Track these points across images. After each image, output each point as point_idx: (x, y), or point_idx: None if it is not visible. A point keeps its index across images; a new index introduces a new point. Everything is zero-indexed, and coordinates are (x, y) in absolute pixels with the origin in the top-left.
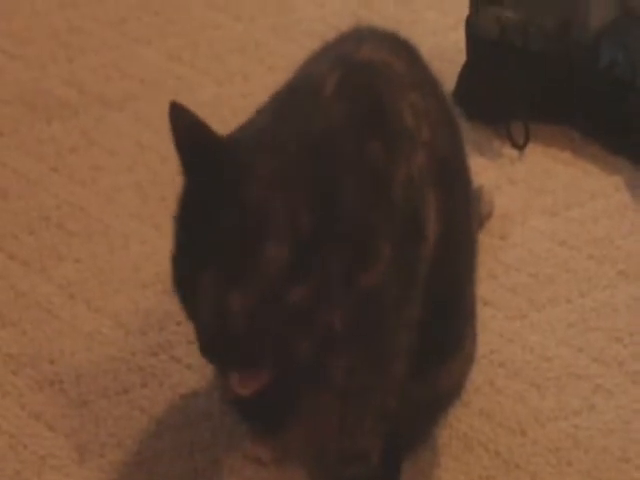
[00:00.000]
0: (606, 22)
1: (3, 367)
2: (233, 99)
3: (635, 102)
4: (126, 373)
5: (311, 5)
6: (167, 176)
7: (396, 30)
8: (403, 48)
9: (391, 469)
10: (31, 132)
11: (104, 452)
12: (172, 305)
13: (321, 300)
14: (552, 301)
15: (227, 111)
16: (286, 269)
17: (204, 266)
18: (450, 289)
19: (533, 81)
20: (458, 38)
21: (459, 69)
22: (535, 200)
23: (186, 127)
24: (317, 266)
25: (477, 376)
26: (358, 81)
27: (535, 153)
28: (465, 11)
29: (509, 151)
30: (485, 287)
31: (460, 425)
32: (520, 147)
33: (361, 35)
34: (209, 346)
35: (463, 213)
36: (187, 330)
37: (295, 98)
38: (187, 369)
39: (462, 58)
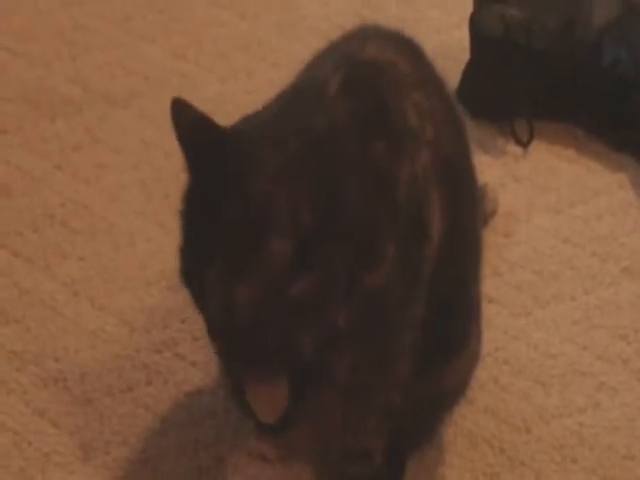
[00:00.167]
0: (609, 20)
1: (7, 364)
2: (237, 96)
3: (638, 99)
4: (130, 371)
5: (315, 3)
6: (172, 174)
7: (400, 29)
8: (408, 47)
9: (395, 467)
10: (35, 130)
11: (109, 449)
12: (177, 303)
13: (325, 295)
14: (556, 298)
15: (231, 108)
16: (289, 263)
17: (210, 260)
18: (455, 288)
19: (537, 79)
20: (462, 36)
21: (463, 67)
22: (539, 198)
23: (189, 121)
24: (320, 261)
25: (482, 373)
26: (362, 81)
27: (539, 151)
28: (469, 9)
29: (513, 149)
30: (490, 284)
31: (465, 422)
32: (524, 145)
33: (366, 34)
34: (218, 339)
35: (468, 212)
36: (192, 328)
37: (299, 97)
38: (192, 366)
39: (466, 56)
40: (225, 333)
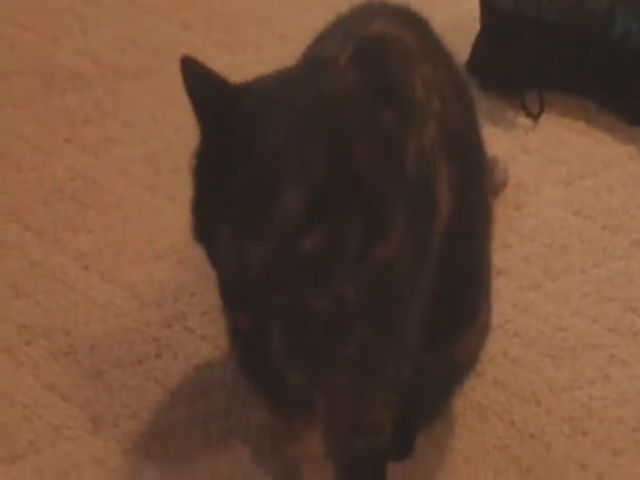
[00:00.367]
0: None
1: (17, 338)
2: (246, 68)
3: None
4: (140, 344)
5: None
6: (181, 148)
7: (407, 3)
8: (414, 21)
9: (405, 441)
10: (45, 104)
11: (118, 422)
12: (186, 276)
13: (336, 252)
14: (566, 271)
15: (240, 79)
16: (302, 218)
17: (222, 218)
18: (465, 262)
19: (547, 51)
20: (472, 7)
21: (473, 39)
22: (549, 170)
23: (198, 78)
24: (332, 216)
25: (491, 346)
26: (370, 54)
27: (549, 123)
28: None
29: (523, 121)
30: (499, 256)
31: (475, 395)
32: (534, 117)
33: (372, 10)
34: (230, 295)
35: (477, 185)
36: (201, 301)
37: (310, 67)
38: (201, 340)
39: (476, 27)
40: (237, 290)
